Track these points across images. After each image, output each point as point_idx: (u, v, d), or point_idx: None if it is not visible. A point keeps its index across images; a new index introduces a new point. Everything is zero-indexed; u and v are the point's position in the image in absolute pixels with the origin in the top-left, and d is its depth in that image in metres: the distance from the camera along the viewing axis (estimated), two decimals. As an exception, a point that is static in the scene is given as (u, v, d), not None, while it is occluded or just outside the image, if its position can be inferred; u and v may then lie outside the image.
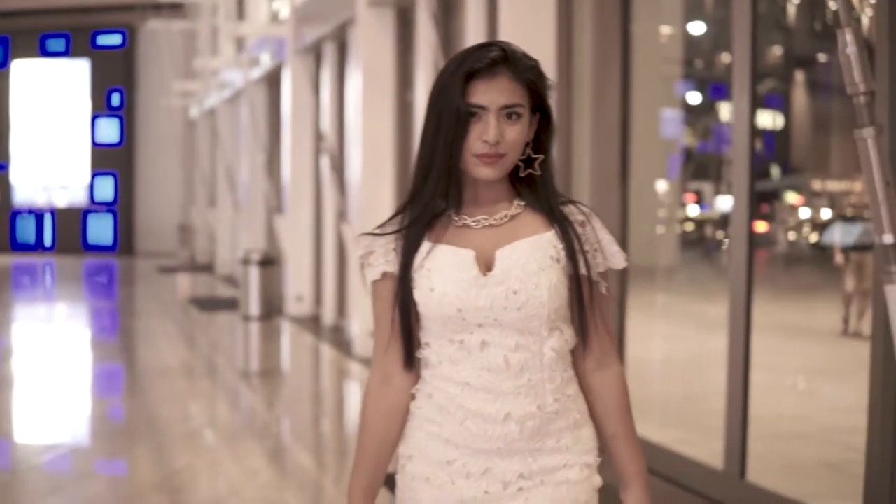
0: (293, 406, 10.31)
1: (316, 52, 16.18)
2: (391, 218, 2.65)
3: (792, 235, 23.26)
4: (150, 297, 21.40)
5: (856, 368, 5.54)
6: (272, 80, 19.59)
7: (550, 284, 2.51)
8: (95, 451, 8.38)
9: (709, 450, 6.80)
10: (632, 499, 2.65)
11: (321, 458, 8.15)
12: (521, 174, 2.61)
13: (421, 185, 2.57)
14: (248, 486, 7.11)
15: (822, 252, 20.54)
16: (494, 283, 2.51)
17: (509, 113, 2.50)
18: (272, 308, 16.31)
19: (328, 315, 15.17)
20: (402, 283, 2.57)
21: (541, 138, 2.62)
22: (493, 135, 2.47)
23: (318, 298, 16.41)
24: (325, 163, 14.74)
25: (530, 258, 2.52)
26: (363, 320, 12.07)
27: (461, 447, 2.56)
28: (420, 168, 2.57)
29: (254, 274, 15.99)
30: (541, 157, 2.61)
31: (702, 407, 8.73)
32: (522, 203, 2.62)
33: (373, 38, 12.57)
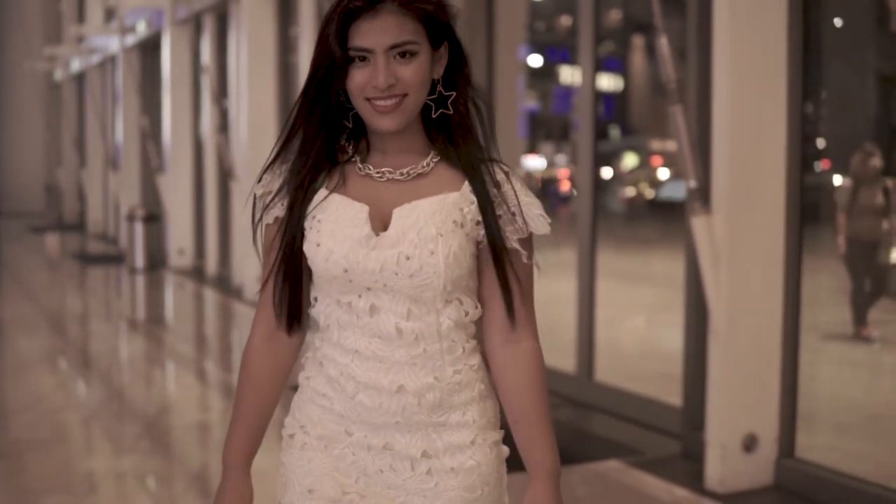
0: (188, 344, 11.63)
1: (195, 23, 17.28)
2: (278, 156, 2.38)
3: (631, 192, 24.91)
4: (30, 254, 22.14)
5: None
6: (145, 46, 20.58)
7: (449, 252, 2.24)
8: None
9: (563, 365, 8.28)
10: (532, 495, 2.37)
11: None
12: (434, 115, 2.33)
13: (293, 130, 2.34)
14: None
15: (659, 208, 22.26)
16: (386, 245, 2.25)
17: (402, 52, 2.21)
18: (156, 261, 17.64)
19: (211, 266, 16.45)
20: (292, 232, 2.33)
21: (454, 72, 2.34)
22: (383, 79, 2.20)
23: (198, 251, 17.66)
24: (209, 124, 15.96)
25: (429, 221, 2.25)
26: (253, 267, 13.41)
27: (357, 422, 2.34)
28: (296, 113, 2.33)
29: (139, 229, 17.33)
30: (452, 94, 2.33)
31: (554, 338, 10.26)
32: (437, 158, 2.34)
33: (257, 10, 13.93)
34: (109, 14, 22.16)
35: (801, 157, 6.08)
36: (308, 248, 2.30)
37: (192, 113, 17.75)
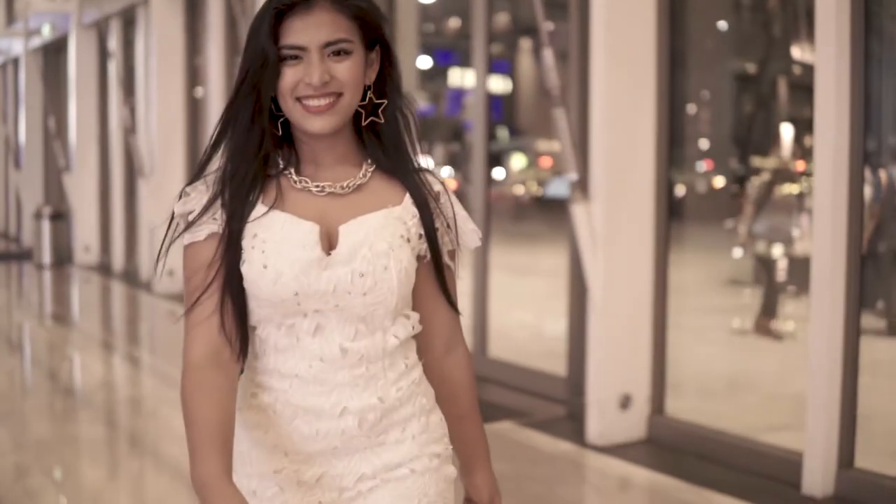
0: (102, 330, 12.27)
1: (101, 26, 17.68)
2: (201, 171, 2.23)
3: (520, 190, 25.58)
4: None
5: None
6: (49, 49, 20.90)
7: (401, 267, 2.19)
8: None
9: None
10: (481, 480, 2.47)
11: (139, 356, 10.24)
12: (364, 123, 2.25)
13: (221, 136, 2.20)
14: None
15: (544, 205, 22.89)
16: (338, 263, 2.15)
17: (336, 50, 2.14)
18: (62, 258, 18.16)
19: (117, 262, 17.02)
20: (235, 250, 2.17)
21: (385, 79, 2.26)
22: (318, 76, 2.12)
23: (104, 248, 18.18)
24: (116, 124, 16.52)
25: (379, 236, 2.18)
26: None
27: (290, 453, 2.21)
28: (225, 119, 2.19)
29: (46, 227, 17.84)
30: (384, 102, 2.25)
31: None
32: (372, 167, 2.27)
33: (165, 12, 14.55)
34: (11, 16, 22.40)
35: (670, 152, 6.96)
36: (250, 269, 2.15)
37: (99, 113, 18.22)
